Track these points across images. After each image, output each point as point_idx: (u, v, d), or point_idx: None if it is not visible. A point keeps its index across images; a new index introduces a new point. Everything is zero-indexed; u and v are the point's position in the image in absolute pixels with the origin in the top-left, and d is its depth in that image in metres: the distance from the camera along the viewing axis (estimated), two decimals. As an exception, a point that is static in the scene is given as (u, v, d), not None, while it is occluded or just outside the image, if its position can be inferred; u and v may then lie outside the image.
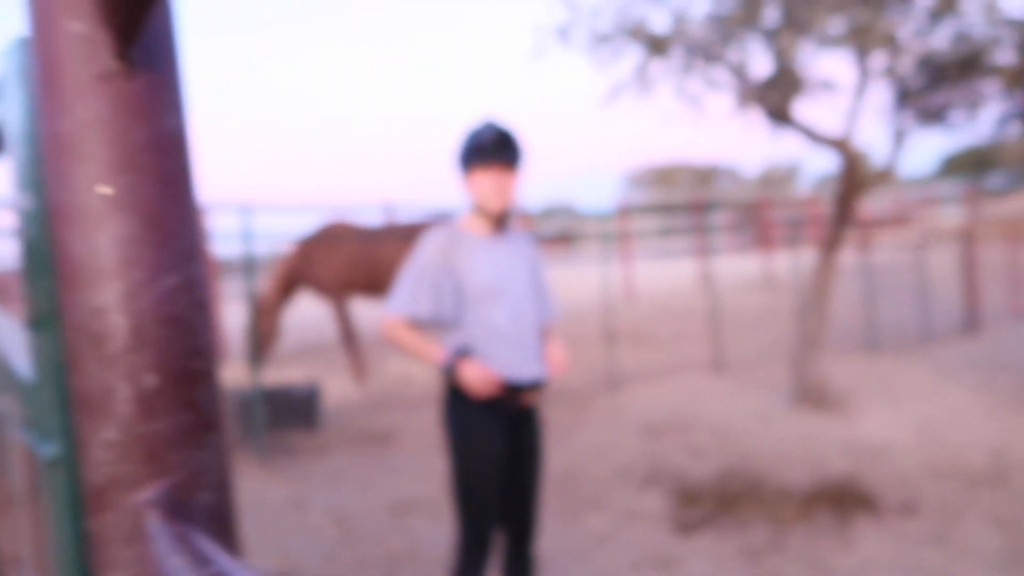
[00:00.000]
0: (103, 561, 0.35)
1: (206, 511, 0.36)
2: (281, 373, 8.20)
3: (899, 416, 6.72)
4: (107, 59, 0.32)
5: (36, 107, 0.34)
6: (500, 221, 2.68)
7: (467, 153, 2.61)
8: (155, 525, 0.33)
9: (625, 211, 15.76)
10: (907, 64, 5.39)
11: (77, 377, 0.35)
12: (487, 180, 2.59)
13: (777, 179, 50.16)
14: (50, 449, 0.49)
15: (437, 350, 2.57)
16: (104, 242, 0.33)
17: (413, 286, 2.60)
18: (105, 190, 0.33)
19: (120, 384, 0.34)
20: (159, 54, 0.34)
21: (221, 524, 0.37)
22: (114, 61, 0.32)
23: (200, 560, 0.31)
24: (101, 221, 0.33)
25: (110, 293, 0.33)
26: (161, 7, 0.34)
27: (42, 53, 0.33)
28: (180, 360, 0.35)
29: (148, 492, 0.35)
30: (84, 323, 0.34)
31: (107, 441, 0.34)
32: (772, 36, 5.18)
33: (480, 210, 2.65)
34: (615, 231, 14.28)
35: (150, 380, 0.34)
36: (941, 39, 5.44)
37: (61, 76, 0.32)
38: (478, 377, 2.47)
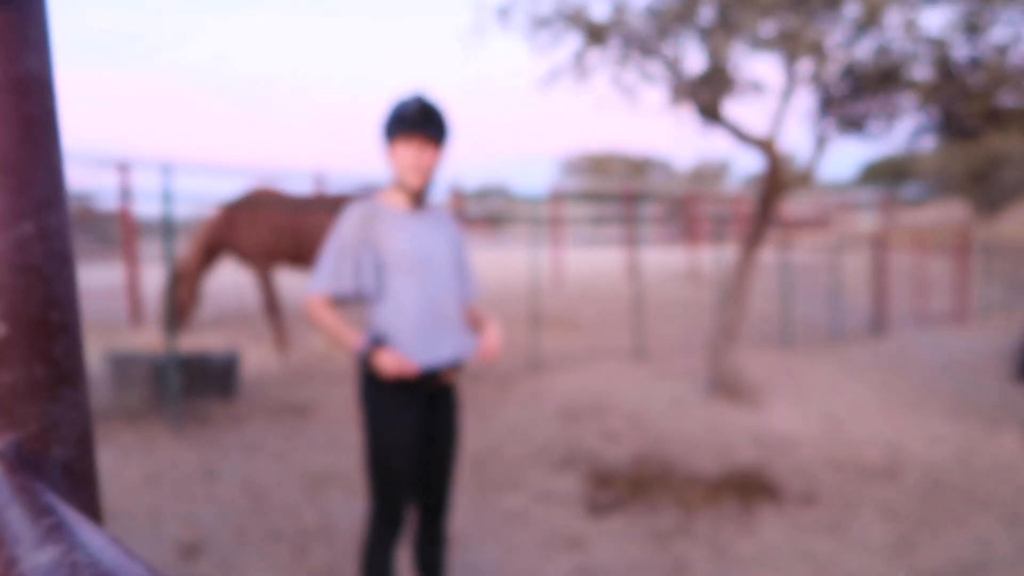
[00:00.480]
0: (-53, 513, 0.34)
1: (59, 466, 0.35)
2: (200, 340, 7.96)
3: (805, 410, 7.02)
4: (-41, -9, 0.31)
5: None
6: (420, 196, 2.66)
7: (391, 124, 2.55)
8: (0, 477, 0.32)
9: (557, 197, 15.87)
10: (831, 72, 5.58)
11: (-78, 323, 0.33)
12: (409, 153, 2.55)
13: (708, 175, 51.30)
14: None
15: (355, 336, 2.54)
16: (-48, 184, 0.32)
17: (335, 262, 2.55)
18: (-46, 129, 0.31)
19: (-33, 332, 0.33)
20: (21, -10, 0.33)
21: (76, 480, 0.36)
22: (-34, -6, 0.31)
23: (40, 511, 0.30)
24: (-51, 162, 0.32)
25: (-42, 238, 0.32)
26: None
27: None
28: (35, 310, 0.34)
29: (-6, 444, 0.34)
30: (-70, 267, 0.32)
31: (-48, 390, 0.33)
32: (706, 35, 5.28)
33: (400, 184, 2.61)
34: (546, 216, 14.36)
35: (1, 329, 0.33)
36: (864, 51, 5.66)
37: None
38: (393, 367, 2.46)
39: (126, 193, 8.95)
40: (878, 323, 11.94)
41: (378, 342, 2.51)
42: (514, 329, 8.43)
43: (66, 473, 0.35)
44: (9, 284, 0.33)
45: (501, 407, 6.50)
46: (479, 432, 5.74)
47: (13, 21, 0.33)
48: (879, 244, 12.43)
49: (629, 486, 4.65)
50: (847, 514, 4.51)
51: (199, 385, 5.99)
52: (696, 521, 4.24)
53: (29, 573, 0.24)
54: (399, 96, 2.61)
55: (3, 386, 0.33)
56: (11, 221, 0.33)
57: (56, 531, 0.26)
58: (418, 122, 2.52)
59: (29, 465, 0.33)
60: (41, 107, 0.34)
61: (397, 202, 2.65)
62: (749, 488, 4.71)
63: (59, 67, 0.35)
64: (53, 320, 0.34)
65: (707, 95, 5.49)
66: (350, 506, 4.23)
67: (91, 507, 0.36)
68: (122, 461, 4.61)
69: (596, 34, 5.31)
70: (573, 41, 5.53)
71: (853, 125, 6.23)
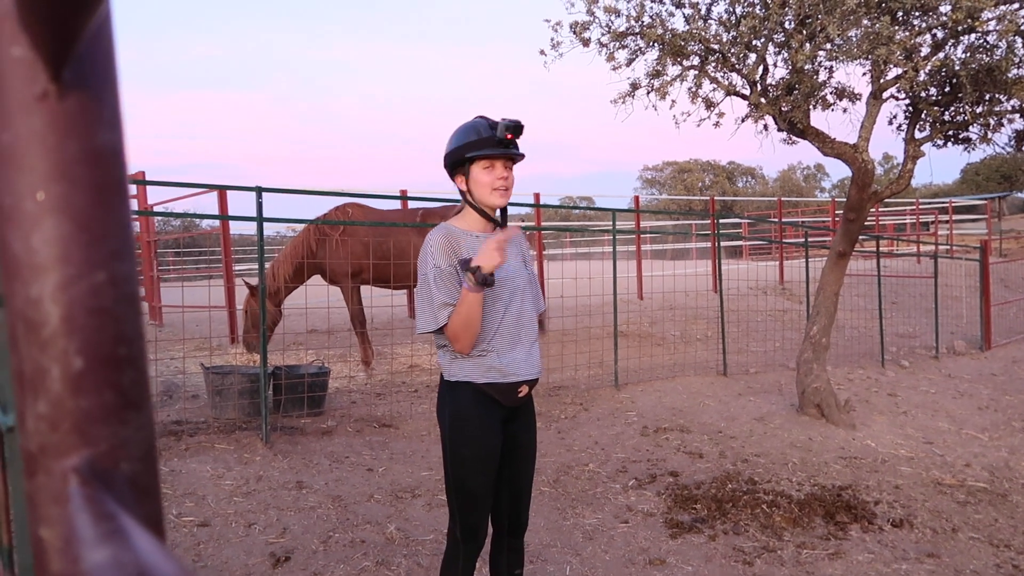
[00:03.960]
0: (37, 518, 0.40)
1: (127, 480, 0.41)
2: (290, 356, 8.29)
3: (902, 428, 6.71)
4: (44, 81, 0.37)
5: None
6: (499, 216, 2.67)
7: (469, 147, 2.55)
8: (74, 488, 0.38)
9: (640, 208, 15.74)
10: (923, 77, 5.35)
11: (16, 357, 0.40)
12: (492, 175, 2.55)
13: (799, 180, 49.73)
14: (9, 419, 0.54)
15: (464, 292, 2.46)
16: (39, 241, 0.38)
17: (446, 292, 2.51)
18: (41, 196, 0.38)
19: (52, 365, 0.39)
20: (95, 76, 0.39)
21: (141, 491, 0.42)
22: (49, 83, 0.37)
23: (103, 518, 0.36)
24: (37, 223, 0.38)
25: (44, 285, 0.38)
26: (97, 33, 0.39)
27: (-10, 75, 0.38)
28: (107, 346, 0.40)
29: (73, 460, 0.40)
30: (22, 310, 0.39)
31: (39, 414, 0.39)
32: (786, 44, 5.16)
33: (481, 205, 2.60)
34: (629, 228, 14.27)
35: (78, 363, 0.39)
36: (959, 52, 5.40)
37: (4, 95, 0.37)
38: (492, 247, 2.39)
39: (224, 214, 9.40)
40: (984, 336, 11.29)
41: (466, 264, 2.45)
42: (596, 343, 8.41)
43: (132, 486, 0.41)
44: (84, 324, 0.39)
45: (582, 423, 6.49)
46: (560, 448, 5.75)
47: (88, 100, 0.39)
48: (984, 252, 11.76)
49: (712, 504, 4.56)
50: (946, 539, 4.29)
51: (290, 399, 6.24)
52: (782, 542, 4.13)
53: (88, 567, 0.30)
54: (466, 122, 2.61)
55: (79, 411, 0.39)
56: (86, 271, 0.39)
57: (112, 534, 0.32)
58: (505, 143, 2.52)
59: (100, 479, 0.39)
60: (112, 174, 0.40)
61: (474, 225, 2.64)
62: (839, 509, 4.54)
63: (129, 139, 0.41)
64: (121, 354, 0.40)
65: (790, 105, 5.36)
66: (432, 518, 4.32)
67: (154, 515, 0.42)
68: (220, 471, 4.85)
69: (674, 47, 5.27)
70: (650, 55, 5.52)
71: (949, 130, 5.94)
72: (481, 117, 2.61)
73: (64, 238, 0.38)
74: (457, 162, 2.59)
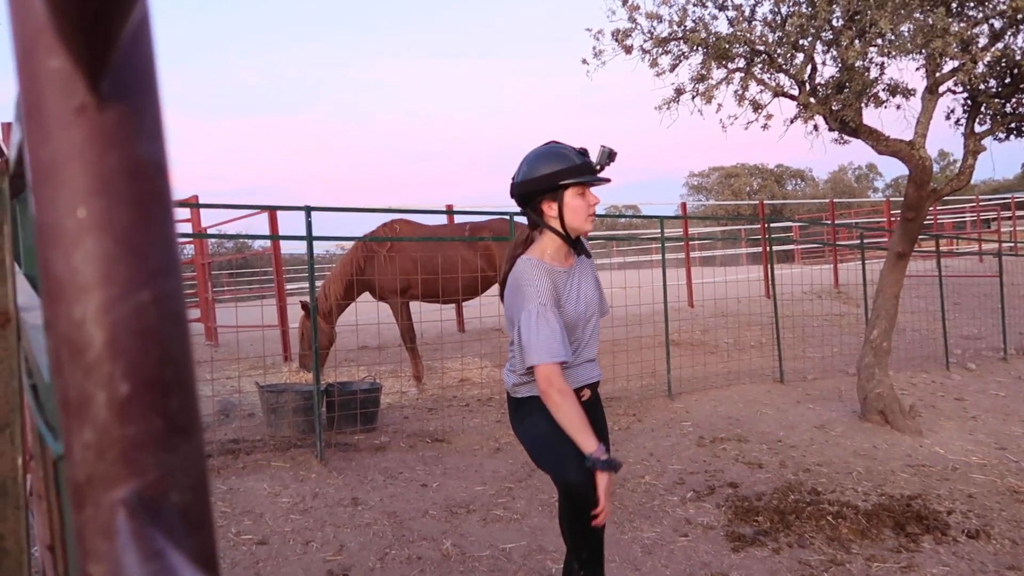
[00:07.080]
0: (86, 552, 0.38)
1: (176, 511, 0.39)
2: (342, 372, 8.37)
3: (972, 434, 6.44)
4: (82, 93, 0.35)
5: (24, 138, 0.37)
6: (579, 242, 2.68)
7: (564, 174, 2.53)
8: (122, 522, 0.36)
9: (688, 215, 15.52)
10: (981, 69, 5.15)
11: (60, 383, 0.38)
12: (584, 201, 2.57)
13: (851, 181, 48.54)
14: (60, 447, 0.53)
15: (592, 440, 2.43)
16: (81, 260, 0.36)
17: (553, 328, 2.47)
18: (82, 213, 0.36)
19: (97, 390, 0.37)
20: (134, 86, 0.37)
21: (192, 523, 0.39)
22: (88, 94, 0.35)
23: (150, 555, 0.33)
24: (78, 241, 0.36)
25: (87, 306, 0.36)
26: (135, 40, 0.37)
27: (25, 88, 0.36)
28: (153, 369, 0.38)
29: (120, 491, 0.37)
30: (65, 333, 0.37)
31: (86, 442, 0.37)
32: (835, 41, 5.02)
33: (571, 230, 2.59)
34: (677, 235, 14.06)
35: (124, 387, 0.37)
36: (1019, 41, 5.19)
37: (43, 109, 0.36)
38: (606, 495, 2.43)
39: (275, 235, 9.57)
40: (1056, 336, 10.79)
41: (612, 465, 2.44)
42: (648, 352, 8.29)
43: (182, 517, 0.38)
44: (128, 346, 0.37)
45: (636, 434, 6.39)
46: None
47: (128, 114, 0.37)
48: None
49: (774, 516, 4.42)
50: (1026, 550, 4.08)
51: (343, 416, 6.28)
52: (850, 555, 3.97)
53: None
54: (544, 148, 2.61)
55: (125, 439, 0.37)
56: (130, 290, 0.37)
57: (160, 574, 0.30)
58: (603, 170, 2.58)
59: (149, 510, 0.37)
60: (155, 188, 0.38)
61: (556, 255, 2.62)
62: (909, 519, 4.36)
63: (171, 153, 0.39)
64: (168, 377, 0.38)
65: (841, 104, 5.22)
66: (487, 533, 4.28)
67: (206, 546, 0.40)
68: (276, 488, 4.89)
69: (718, 50, 5.18)
70: (694, 60, 5.44)
71: (1013, 123, 5.71)
72: (555, 142, 2.63)
73: (106, 256, 0.36)
74: (548, 188, 2.55)
